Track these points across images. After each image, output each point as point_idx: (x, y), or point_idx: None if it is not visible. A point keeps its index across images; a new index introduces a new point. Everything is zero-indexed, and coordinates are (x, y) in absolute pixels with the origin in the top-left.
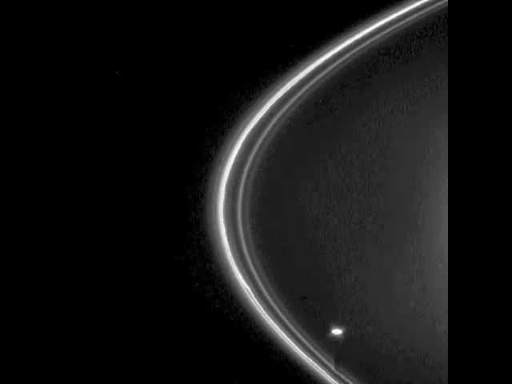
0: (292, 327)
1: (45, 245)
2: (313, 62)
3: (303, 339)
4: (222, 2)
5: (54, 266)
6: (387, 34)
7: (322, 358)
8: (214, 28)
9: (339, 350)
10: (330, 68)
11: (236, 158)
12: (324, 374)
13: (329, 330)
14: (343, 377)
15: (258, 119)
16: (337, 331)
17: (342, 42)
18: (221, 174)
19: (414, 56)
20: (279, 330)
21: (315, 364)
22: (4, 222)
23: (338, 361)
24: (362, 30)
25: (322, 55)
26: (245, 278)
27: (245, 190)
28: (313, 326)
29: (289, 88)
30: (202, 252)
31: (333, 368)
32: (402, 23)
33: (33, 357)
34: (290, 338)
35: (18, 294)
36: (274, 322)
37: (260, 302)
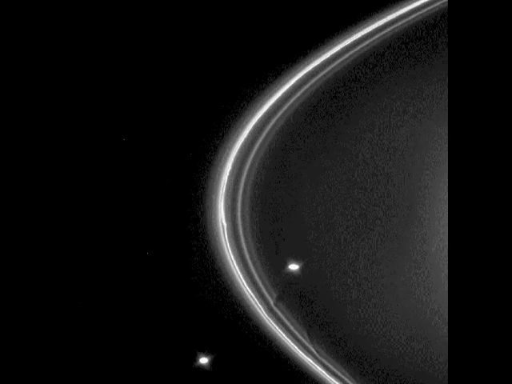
0: (291, 326)
1: (45, 244)
2: (312, 62)
3: (302, 338)
4: (223, 2)
5: (54, 265)
6: (387, 33)
7: (321, 358)
8: (213, 29)
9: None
10: (329, 68)
11: (236, 158)
12: (324, 375)
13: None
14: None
15: (258, 119)
16: (294, 266)
17: (341, 42)
18: (221, 173)
19: (414, 56)
20: (278, 329)
21: (309, 361)
22: (4, 222)
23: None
24: (361, 30)
25: (321, 55)
26: (244, 277)
27: (245, 190)
28: (312, 324)
29: (289, 88)
30: (202, 250)
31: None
32: (401, 23)
33: (33, 357)
34: (289, 338)
35: (18, 295)
36: (273, 320)
37: (259, 301)
